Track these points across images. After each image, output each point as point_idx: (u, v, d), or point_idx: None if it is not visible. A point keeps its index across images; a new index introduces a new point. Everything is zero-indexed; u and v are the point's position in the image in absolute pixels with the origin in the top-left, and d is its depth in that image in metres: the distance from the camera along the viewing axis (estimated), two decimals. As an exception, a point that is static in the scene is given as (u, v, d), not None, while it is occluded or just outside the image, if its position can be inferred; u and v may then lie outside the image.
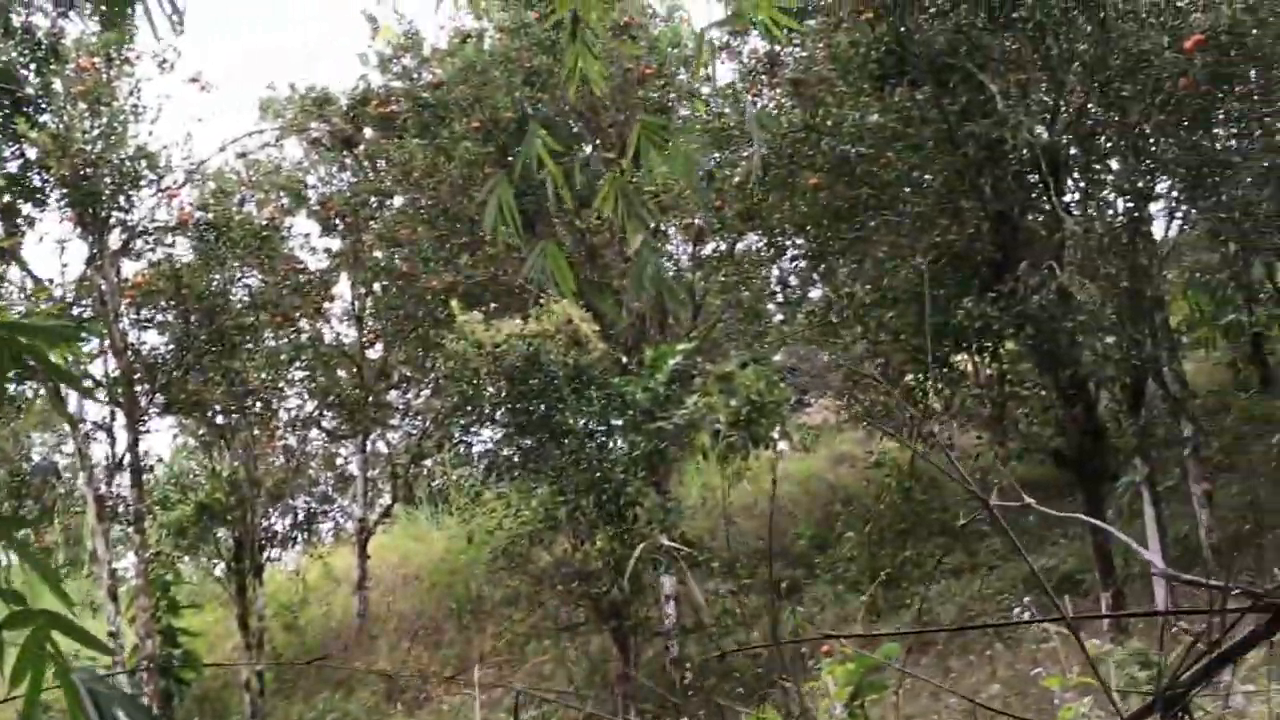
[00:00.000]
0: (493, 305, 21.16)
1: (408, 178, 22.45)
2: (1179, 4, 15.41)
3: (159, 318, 21.20)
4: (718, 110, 17.79)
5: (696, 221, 22.93)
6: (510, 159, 18.83)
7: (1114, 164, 17.48)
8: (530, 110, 20.31)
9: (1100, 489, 16.46)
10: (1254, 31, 14.78)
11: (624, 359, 21.31)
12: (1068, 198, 16.92)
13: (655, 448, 18.64)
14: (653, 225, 22.24)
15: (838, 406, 25.69)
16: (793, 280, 21.14)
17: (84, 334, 5.20)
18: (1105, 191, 17.40)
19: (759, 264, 21.37)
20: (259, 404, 23.04)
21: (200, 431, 24.82)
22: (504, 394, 18.64)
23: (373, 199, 23.23)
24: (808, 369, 25.79)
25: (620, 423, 18.70)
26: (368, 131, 23.24)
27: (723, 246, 22.91)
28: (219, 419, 23.05)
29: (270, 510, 24.19)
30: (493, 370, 18.56)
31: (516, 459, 18.88)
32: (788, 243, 19.12)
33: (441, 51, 22.68)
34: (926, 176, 17.08)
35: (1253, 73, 15.89)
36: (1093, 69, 15.81)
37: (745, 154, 17.43)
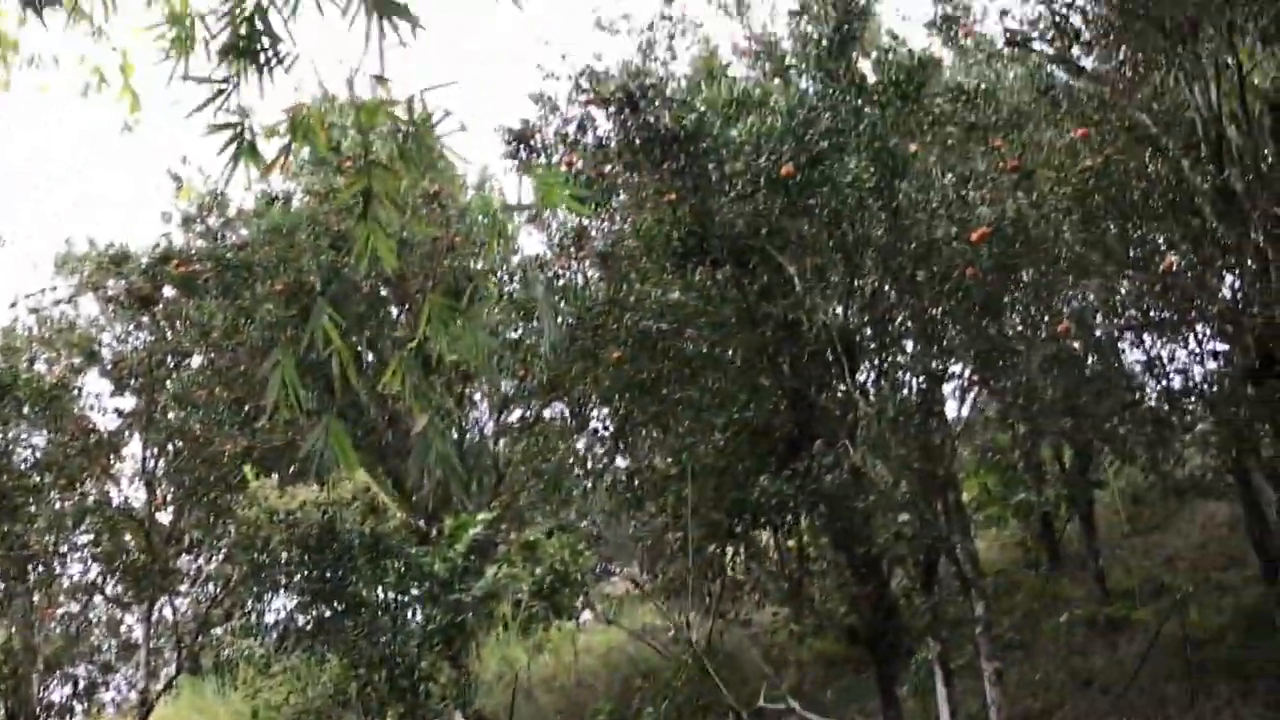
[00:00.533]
0: (290, 470, 20.68)
1: (206, 338, 21.97)
2: (966, 197, 16.05)
3: (-64, 477, 20.29)
4: (522, 281, 17.96)
5: (501, 389, 22.89)
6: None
7: (908, 346, 18.00)
8: (334, 274, 20.18)
9: (894, 665, 16.60)
10: (1038, 225, 15.42)
11: (424, 526, 20.99)
12: (863, 377, 17.33)
13: (453, 620, 18.27)
14: (459, 390, 22.24)
15: (640, 578, 25.59)
16: (597, 450, 21.15)
17: None
18: (899, 372, 17.87)
19: (563, 434, 21.35)
20: (40, 568, 22.07)
21: (-24, 596, 23.66)
22: (298, 562, 18.15)
23: (169, 359, 22.67)
24: (612, 539, 25.69)
25: (418, 594, 18.31)
26: (167, 290, 22.74)
27: (529, 414, 22.85)
28: (-3, 584, 22.00)
29: (48, 679, 23.05)
30: (286, 538, 18.07)
31: (309, 629, 18.31)
32: (591, 413, 19.17)
33: (248, 212, 22.43)
34: (727, 353, 17.33)
35: (1033, 266, 16.53)
36: (886, 255, 16.33)
37: (553, 324, 17.52)
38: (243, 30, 4.64)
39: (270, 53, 4.66)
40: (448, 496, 21.15)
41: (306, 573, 18.00)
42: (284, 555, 18.14)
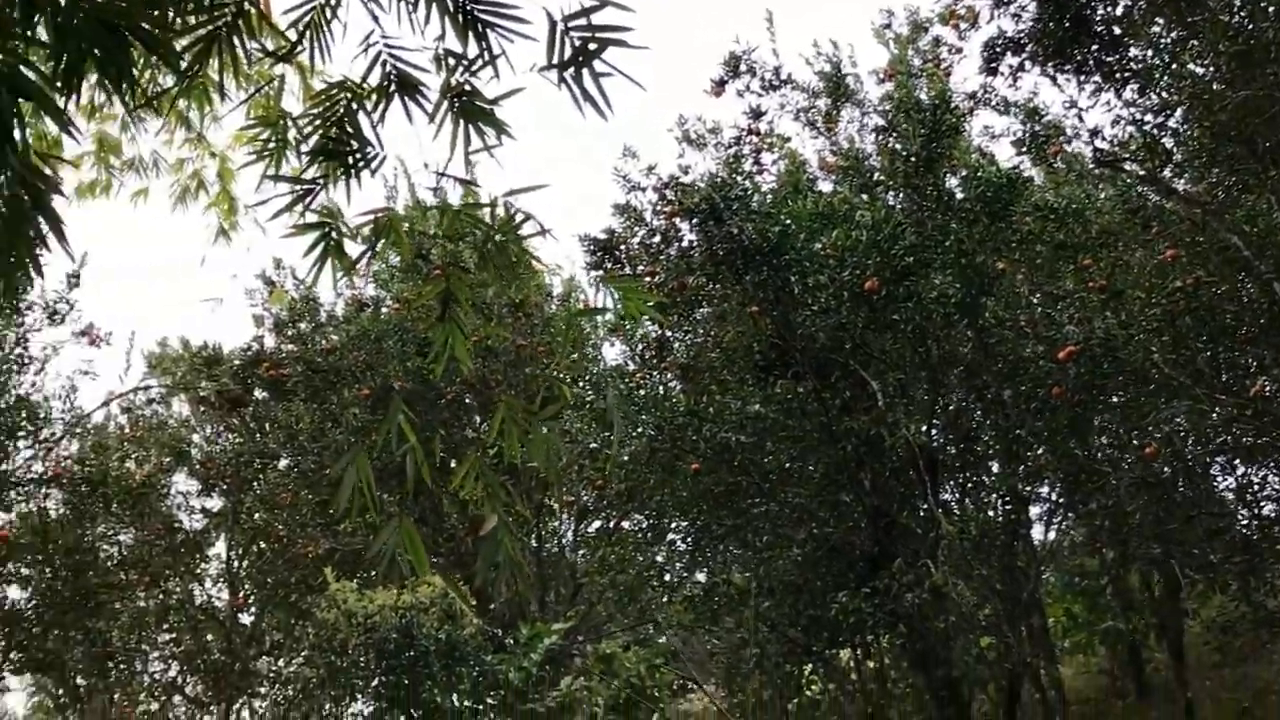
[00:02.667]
0: (371, 573, 20.75)
1: (293, 440, 22.24)
2: (1054, 316, 15.92)
3: (23, 571, 20.55)
4: (598, 390, 18.03)
5: (581, 498, 22.88)
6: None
7: (993, 465, 17.77)
8: (418, 379, 20.36)
9: (974, 793, 16.20)
10: (1127, 345, 15.26)
11: (500, 635, 20.90)
12: (946, 496, 17.13)
13: (526, 731, 18.13)
14: (538, 499, 22.26)
15: (717, 696, 25.26)
16: (675, 563, 21.01)
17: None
18: (983, 493, 17.64)
19: (641, 545, 21.26)
20: (121, 666, 22.24)
21: (57, 692, 23.85)
22: (374, 667, 18.14)
23: (256, 460, 22.93)
24: (689, 654, 25.43)
25: (493, 703, 18.20)
26: (257, 392, 23.09)
27: (607, 525, 22.80)
28: (78, 680, 22.17)
29: (124, 778, 23.13)
30: (364, 641, 18.08)
31: (384, 735, 18.22)
32: (669, 525, 19.07)
33: (337, 318, 22.78)
34: (808, 468, 17.21)
35: (1121, 388, 16.32)
36: (971, 372, 16.21)
37: (632, 434, 17.52)
38: (332, 133, 4.73)
39: (358, 155, 4.76)
40: (524, 606, 21.09)
41: (383, 677, 17.98)
42: (361, 659, 18.16)
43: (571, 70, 4.33)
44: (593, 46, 4.28)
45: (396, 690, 17.80)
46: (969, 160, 16.57)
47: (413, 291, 21.13)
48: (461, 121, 4.55)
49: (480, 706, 18.27)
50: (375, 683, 18.26)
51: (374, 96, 4.66)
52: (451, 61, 4.56)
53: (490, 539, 4.55)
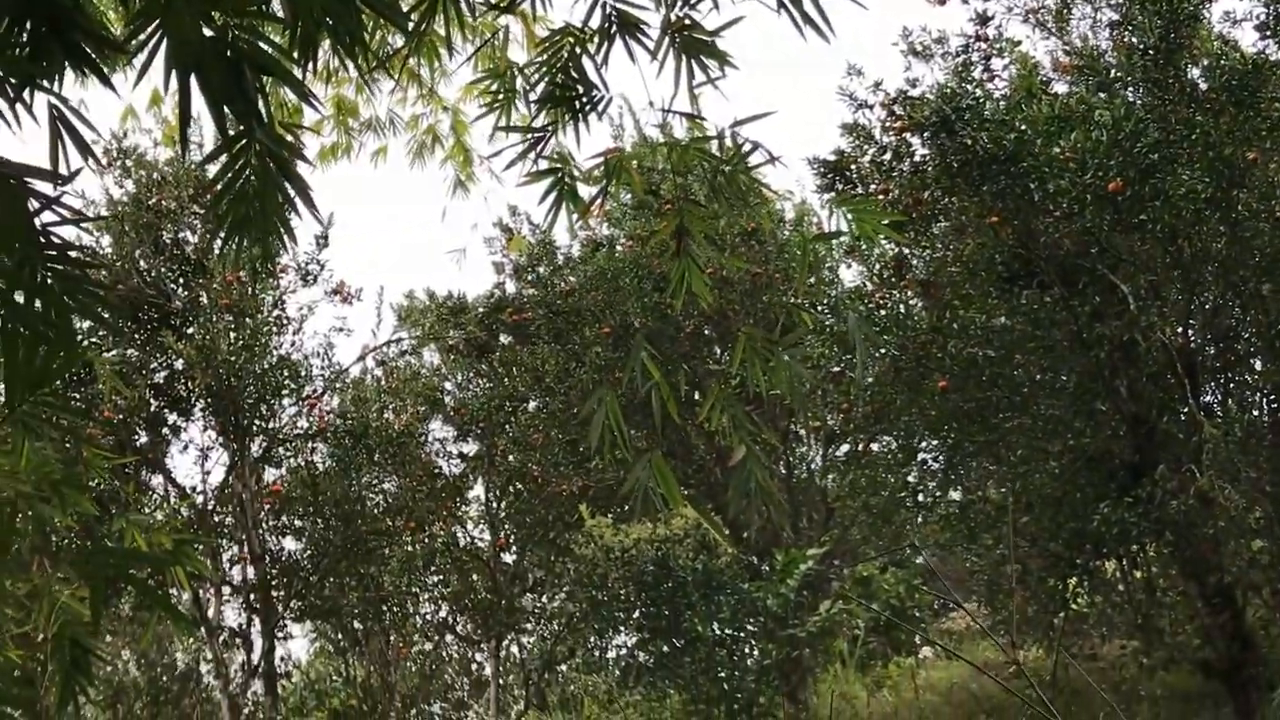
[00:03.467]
0: (624, 508, 21.12)
1: (540, 383, 22.71)
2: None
3: (296, 523, 21.49)
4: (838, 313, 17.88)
5: (828, 422, 22.81)
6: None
7: (1255, 364, 17.10)
8: (657, 315, 20.54)
9: (1253, 699, 15.68)
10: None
11: (755, 562, 21.08)
12: (1208, 398, 16.54)
13: (788, 656, 18.29)
14: (784, 425, 22.28)
15: (980, 613, 24.98)
16: (928, 483, 20.79)
17: (182, 560, 5.24)
18: (1247, 392, 16.98)
19: (891, 466, 21.10)
20: (394, 609, 23.12)
21: (336, 637, 24.95)
22: (635, 599, 18.52)
23: (507, 404, 23.48)
24: (949, 573, 25.19)
25: (753, 629, 18.40)
26: (502, 338, 23.63)
27: (856, 448, 22.69)
28: (355, 624, 23.15)
29: (405, 716, 24.09)
30: (623, 575, 18.46)
31: (649, 665, 18.62)
32: (919, 445, 18.86)
33: (574, 260, 23.12)
34: (1060, 378, 16.80)
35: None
36: (1227, 269, 15.56)
37: (875, 355, 17.35)
38: (558, 79, 4.78)
39: (585, 99, 4.80)
40: (777, 533, 21.19)
41: (644, 609, 18.35)
42: (621, 592, 18.54)
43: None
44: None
45: (657, 620, 18.16)
46: (1211, 49, 15.80)
47: (646, 229, 21.30)
48: (684, 56, 4.55)
49: (741, 634, 18.51)
50: (636, 614, 18.66)
51: (596, 39, 4.68)
52: (672, -3, 4.56)
53: (740, 469, 4.57)
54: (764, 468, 4.69)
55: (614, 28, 4.63)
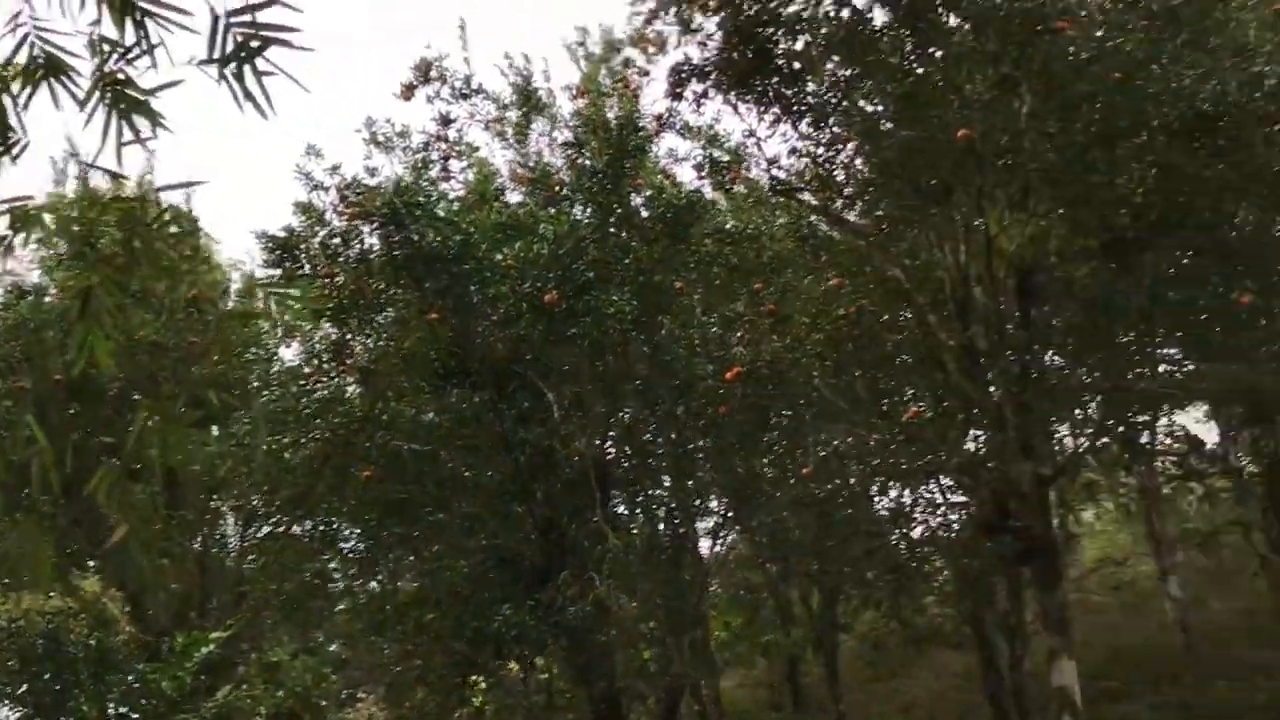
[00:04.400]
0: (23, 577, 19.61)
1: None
2: (725, 337, 16.33)
3: None
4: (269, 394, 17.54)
5: (252, 503, 22.19)
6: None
7: (664, 480, 18.09)
8: (81, 377, 19.36)
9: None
10: (792, 369, 15.71)
11: (156, 642, 20.10)
12: (620, 509, 17.33)
13: (188, 742, 17.49)
14: (204, 501, 21.47)
15: (387, 706, 24.87)
16: (349, 571, 20.58)
17: None
18: (654, 506, 17.92)
19: (311, 552, 20.77)
20: None
21: None
22: (20, 673, 17.25)
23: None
24: (359, 664, 24.97)
25: (146, 712, 17.48)
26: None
27: (275, 530, 22.15)
28: None
29: None
30: (8, 646, 17.19)
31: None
32: (341, 533, 18.68)
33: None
34: (481, 478, 17.14)
35: (785, 409, 16.82)
36: (646, 388, 16.45)
37: (304, 439, 17.05)
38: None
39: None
40: (185, 613, 20.35)
41: (30, 684, 17.14)
42: (9, 663, 17.32)
43: (233, 66, 4.19)
44: (255, 44, 4.15)
45: (43, 698, 16.99)
46: (653, 180, 16.83)
47: (81, 280, 20.13)
48: (113, 111, 4.35)
49: (135, 716, 17.57)
50: (22, 689, 17.44)
51: (21, 79, 4.40)
52: (106, 48, 4.35)
53: (119, 550, 4.35)
54: (149, 549, 4.48)
55: (40, 70, 4.37)
